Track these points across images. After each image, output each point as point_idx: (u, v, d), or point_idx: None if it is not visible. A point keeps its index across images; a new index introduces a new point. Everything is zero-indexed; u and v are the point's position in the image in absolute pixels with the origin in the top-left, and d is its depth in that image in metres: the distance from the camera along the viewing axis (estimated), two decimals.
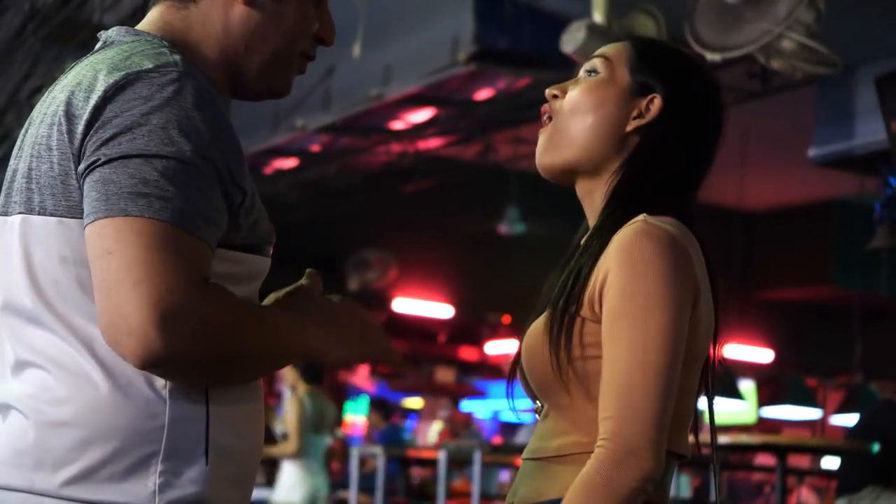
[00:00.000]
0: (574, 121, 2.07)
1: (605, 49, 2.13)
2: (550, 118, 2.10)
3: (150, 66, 1.75)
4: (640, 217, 1.94)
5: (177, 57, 1.79)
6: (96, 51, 1.88)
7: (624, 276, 1.90)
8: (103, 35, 1.92)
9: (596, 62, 2.11)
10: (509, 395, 2.14)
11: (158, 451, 1.73)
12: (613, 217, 1.99)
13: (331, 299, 1.99)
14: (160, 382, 1.74)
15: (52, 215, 1.76)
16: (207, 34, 1.90)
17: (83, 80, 1.77)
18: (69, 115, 1.75)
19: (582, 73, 2.13)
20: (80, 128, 1.73)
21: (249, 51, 1.91)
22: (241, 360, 1.76)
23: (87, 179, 1.70)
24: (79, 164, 1.73)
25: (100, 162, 1.69)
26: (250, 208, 1.83)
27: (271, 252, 1.95)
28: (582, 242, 2.08)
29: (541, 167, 2.11)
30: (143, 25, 1.92)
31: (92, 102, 1.73)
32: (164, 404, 1.74)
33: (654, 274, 1.88)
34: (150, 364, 1.66)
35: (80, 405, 1.73)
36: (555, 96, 2.11)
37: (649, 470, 1.84)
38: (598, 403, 1.89)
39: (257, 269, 1.90)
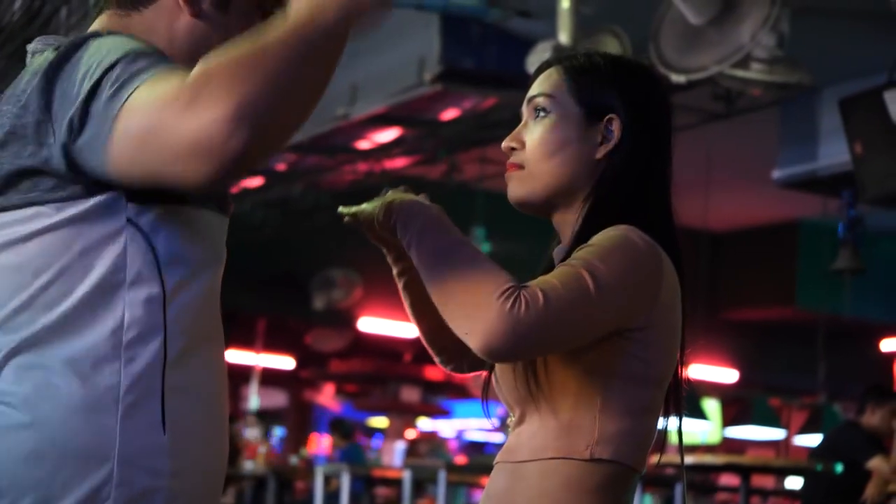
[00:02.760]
0: (544, 164, 2.05)
1: (542, 86, 2.10)
2: (520, 166, 2.09)
3: (77, 39, 1.77)
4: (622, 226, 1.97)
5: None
6: (30, 63, 1.88)
7: (595, 241, 1.93)
8: (31, 47, 1.91)
9: (540, 102, 2.09)
10: (485, 413, 2.14)
11: (112, 455, 1.71)
12: (588, 236, 2.00)
13: None
14: (114, 362, 1.73)
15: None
16: (150, 42, 1.87)
17: (26, 86, 1.77)
18: (24, 106, 1.74)
19: (527, 113, 2.11)
20: (35, 105, 1.72)
21: (195, 62, 1.90)
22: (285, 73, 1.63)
23: (81, 139, 1.68)
24: (53, 128, 1.71)
25: (77, 114, 1.67)
26: None
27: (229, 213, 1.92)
28: (555, 256, 2.10)
29: (517, 201, 2.10)
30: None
31: (40, 90, 1.72)
32: (117, 384, 1.73)
33: (622, 250, 1.91)
34: (241, 157, 1.58)
35: (37, 430, 1.71)
36: (513, 148, 2.09)
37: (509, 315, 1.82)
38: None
39: (212, 233, 1.86)
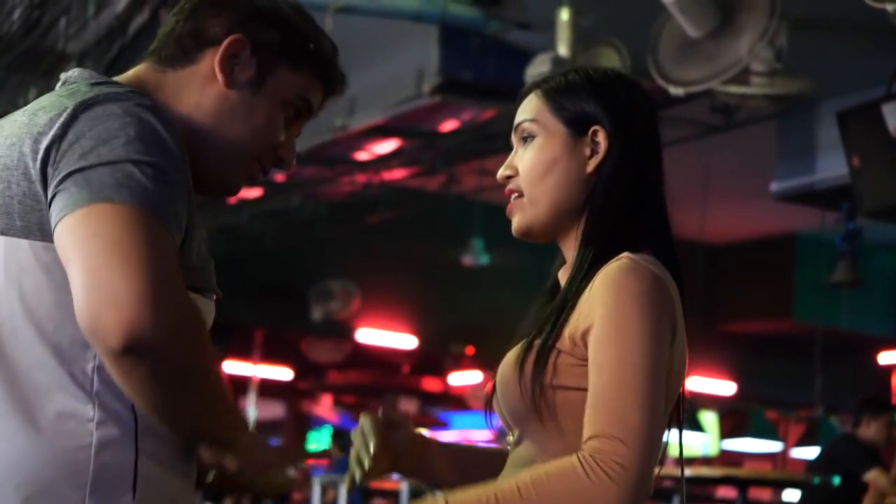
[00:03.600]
0: (538, 186, 2.07)
1: (525, 112, 2.12)
2: (520, 194, 2.10)
3: (121, 91, 1.79)
4: (624, 255, 1.95)
5: (145, 94, 1.83)
6: (62, 86, 1.90)
7: (610, 309, 1.90)
8: (64, 76, 1.93)
9: (526, 127, 2.10)
10: (487, 424, 2.13)
11: (85, 488, 1.71)
12: (592, 254, 2.00)
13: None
14: (87, 422, 1.73)
15: (1, 234, 1.77)
16: (178, 100, 1.91)
17: (47, 104, 1.79)
18: (33, 136, 1.75)
19: (516, 142, 2.13)
20: (44, 145, 1.73)
21: (214, 131, 1.92)
22: (198, 390, 1.73)
23: (65, 183, 1.70)
24: (45, 181, 1.73)
25: (79, 169, 1.70)
26: (196, 248, 1.85)
27: (214, 300, 1.93)
28: (560, 277, 2.09)
29: (522, 231, 2.10)
30: (118, 79, 1.94)
31: (60, 120, 1.74)
32: (90, 444, 1.73)
33: (639, 308, 1.89)
34: (134, 343, 1.63)
35: (3, 460, 1.72)
36: (508, 176, 2.11)
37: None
38: (584, 426, 1.87)
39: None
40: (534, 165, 2.08)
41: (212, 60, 1.92)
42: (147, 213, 1.68)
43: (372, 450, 2.05)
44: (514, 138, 2.14)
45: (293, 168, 2.04)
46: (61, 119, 1.74)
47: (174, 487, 1.82)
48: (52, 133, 1.73)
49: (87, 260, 1.65)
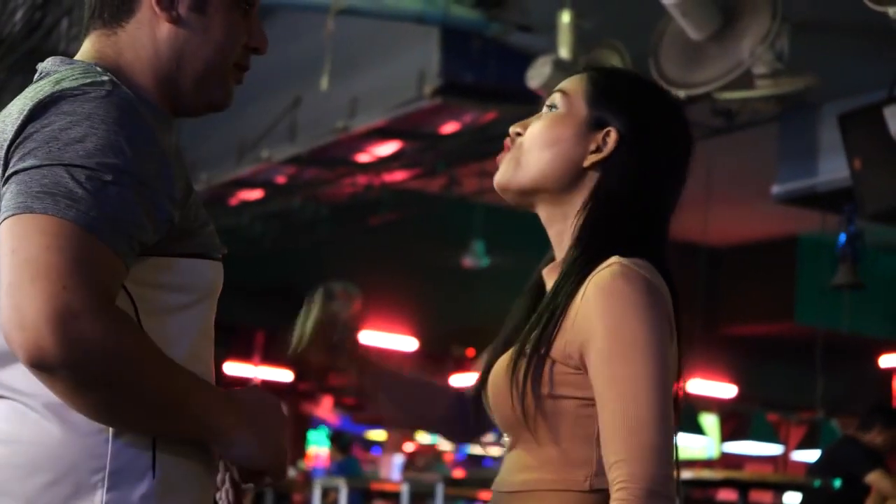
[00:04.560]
0: (532, 154, 2.08)
1: (565, 83, 2.14)
2: (513, 150, 2.12)
3: (75, 85, 1.77)
4: (614, 259, 1.95)
5: (105, 77, 1.81)
6: (34, 83, 1.89)
7: (608, 320, 1.90)
8: (40, 66, 1.93)
9: (555, 97, 2.12)
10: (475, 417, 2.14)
11: (104, 470, 1.72)
12: (583, 258, 2.00)
13: (263, 395, 1.91)
14: (102, 427, 1.73)
15: None
16: (139, 57, 1.91)
17: (14, 109, 1.79)
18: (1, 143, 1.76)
19: (544, 108, 2.14)
20: (4, 150, 1.74)
21: (181, 68, 1.92)
22: (133, 401, 1.69)
23: (6, 186, 1.71)
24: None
25: (17, 171, 1.70)
26: (190, 220, 1.84)
27: (221, 257, 1.93)
28: (546, 275, 2.09)
29: (498, 186, 2.13)
30: (78, 57, 1.94)
31: (18, 123, 1.74)
32: (107, 427, 1.73)
33: (638, 316, 1.90)
34: (39, 364, 1.63)
35: (19, 442, 1.73)
36: (518, 133, 2.13)
37: None
38: (603, 447, 1.89)
39: (203, 278, 1.88)
40: (541, 133, 2.09)
41: (150, 2, 1.91)
42: (69, 225, 1.66)
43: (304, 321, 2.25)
44: (545, 103, 2.15)
45: (267, 46, 2.02)
46: (19, 121, 1.74)
47: (194, 465, 1.82)
48: (11, 137, 1.74)
49: (5, 277, 1.65)
